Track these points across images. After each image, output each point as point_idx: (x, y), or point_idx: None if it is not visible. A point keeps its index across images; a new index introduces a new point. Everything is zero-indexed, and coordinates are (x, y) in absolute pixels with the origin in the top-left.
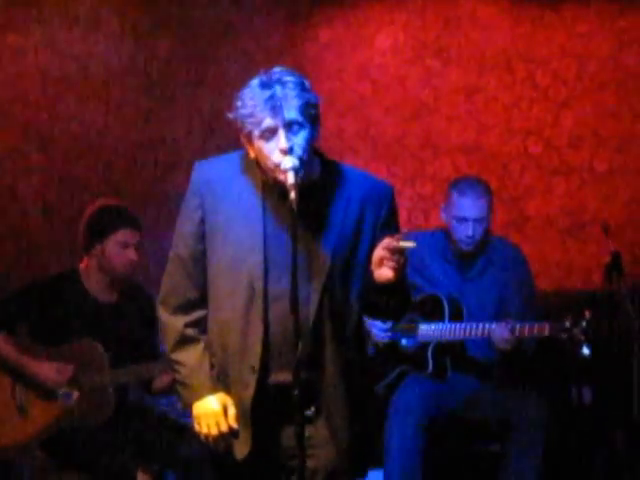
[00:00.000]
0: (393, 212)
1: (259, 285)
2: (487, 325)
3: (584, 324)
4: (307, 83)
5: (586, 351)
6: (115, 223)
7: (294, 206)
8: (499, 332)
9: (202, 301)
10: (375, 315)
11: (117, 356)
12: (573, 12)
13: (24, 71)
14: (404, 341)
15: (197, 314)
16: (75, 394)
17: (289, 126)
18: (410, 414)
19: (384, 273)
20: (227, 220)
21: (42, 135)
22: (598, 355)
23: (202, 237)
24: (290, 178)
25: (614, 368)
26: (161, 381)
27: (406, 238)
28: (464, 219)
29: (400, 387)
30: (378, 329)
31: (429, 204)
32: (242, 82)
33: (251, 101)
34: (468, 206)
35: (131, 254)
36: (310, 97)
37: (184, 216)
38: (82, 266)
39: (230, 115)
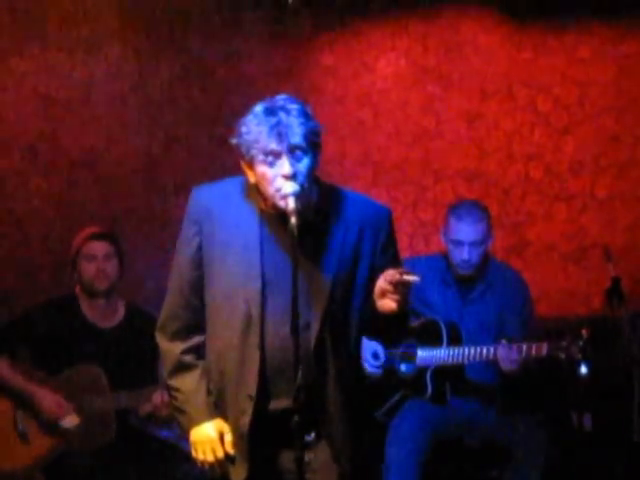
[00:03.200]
0: (391, 235)
1: (256, 312)
2: (488, 348)
3: (581, 343)
4: (310, 111)
5: (584, 370)
6: (80, 242)
7: (295, 232)
8: (504, 353)
9: (200, 327)
10: (375, 337)
11: (118, 380)
12: (575, 38)
13: (26, 95)
14: (403, 367)
15: (195, 340)
16: (76, 419)
17: (293, 152)
18: (410, 439)
19: (387, 305)
20: (225, 247)
21: (43, 159)
22: (598, 381)
23: (200, 264)
24: (291, 203)
25: (614, 394)
26: (150, 405)
27: (407, 264)
28: (460, 243)
29: (400, 412)
30: (370, 365)
31: (430, 229)
32: (243, 106)
33: (256, 127)
34: (464, 230)
35: (99, 264)
36: (313, 125)
37: (182, 243)
38: (77, 290)
39: (233, 140)
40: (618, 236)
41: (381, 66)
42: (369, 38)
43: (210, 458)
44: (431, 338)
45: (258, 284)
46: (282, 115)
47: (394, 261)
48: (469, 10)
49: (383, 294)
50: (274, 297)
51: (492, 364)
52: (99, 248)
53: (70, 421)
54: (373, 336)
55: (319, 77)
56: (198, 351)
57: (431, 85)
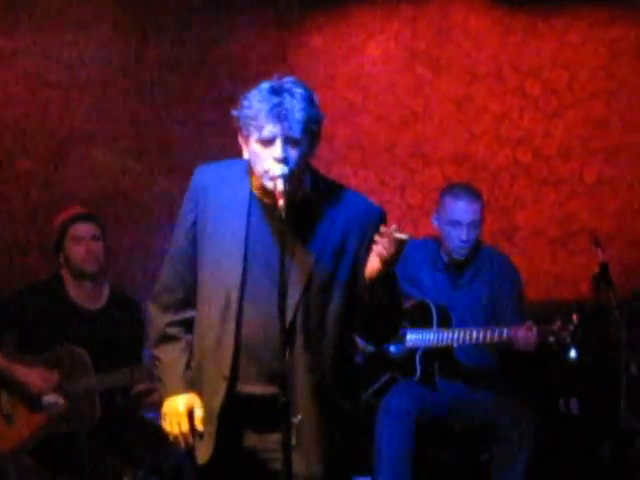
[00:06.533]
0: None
1: (235, 296)
2: (478, 331)
3: (572, 328)
4: (316, 98)
5: (573, 354)
6: (66, 224)
7: (282, 214)
8: (523, 335)
9: (192, 301)
10: (366, 336)
11: (102, 362)
12: (564, 22)
13: (13, 75)
14: (392, 348)
15: (185, 314)
16: (61, 401)
17: (287, 138)
18: (399, 419)
19: (373, 264)
20: (215, 225)
21: (30, 140)
22: (586, 366)
23: (193, 240)
24: (279, 185)
25: (602, 379)
26: (139, 387)
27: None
28: (458, 223)
29: (389, 393)
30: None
31: (418, 213)
32: (233, 89)
33: (258, 104)
34: (462, 209)
35: (87, 245)
36: (315, 113)
37: (180, 218)
38: (62, 272)
39: (234, 112)
40: (607, 221)
41: (371, 49)
42: (359, 20)
43: (175, 431)
44: (421, 320)
45: (239, 268)
46: (286, 97)
47: None
48: None
49: (372, 251)
50: (254, 281)
51: (480, 348)
52: (86, 229)
53: (54, 398)
54: (363, 335)
55: (308, 59)
56: (187, 325)
57: (420, 68)
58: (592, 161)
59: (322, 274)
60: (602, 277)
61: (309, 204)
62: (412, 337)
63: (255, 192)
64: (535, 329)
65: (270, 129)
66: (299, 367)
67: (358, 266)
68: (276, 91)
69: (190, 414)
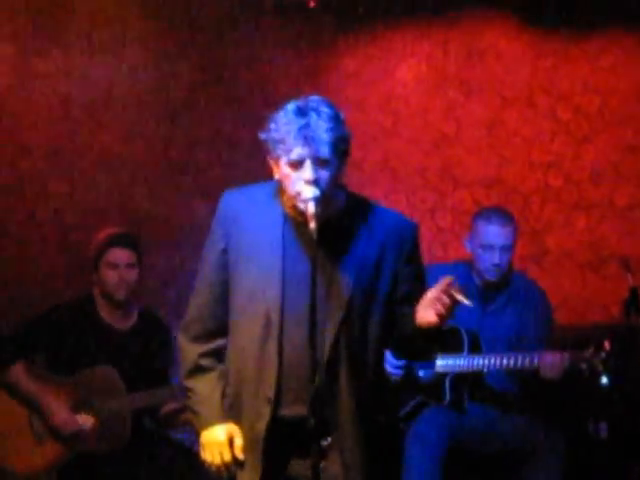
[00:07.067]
0: (415, 249)
1: (276, 317)
2: (509, 356)
3: (604, 355)
4: (342, 116)
5: (605, 381)
6: (104, 247)
7: (314, 236)
8: (548, 360)
9: (222, 331)
10: (403, 354)
11: (132, 381)
12: (596, 46)
13: (47, 97)
14: (421, 372)
15: (215, 344)
16: (92, 420)
17: (316, 159)
18: (428, 445)
19: (428, 316)
20: (250, 250)
21: (63, 161)
22: (615, 390)
23: (225, 267)
24: (311, 208)
25: (630, 403)
26: (169, 407)
27: (430, 272)
28: (490, 247)
29: (418, 418)
30: (390, 365)
31: (448, 237)
32: (264, 110)
33: (285, 126)
34: (495, 233)
35: (121, 273)
36: (343, 132)
37: (209, 245)
38: (95, 292)
39: (262, 135)
40: (637, 246)
41: (402, 71)
42: (390, 43)
43: (217, 461)
44: (451, 345)
45: (279, 289)
46: (312, 117)
47: (418, 275)
48: (491, 16)
49: (429, 304)
50: (294, 302)
51: (511, 373)
52: (122, 256)
53: (85, 418)
54: (398, 352)
55: (340, 82)
56: (218, 355)
57: (451, 91)
58: (622, 186)
59: (362, 291)
60: (632, 302)
61: (343, 223)
62: (442, 362)
63: (288, 211)
64: (563, 356)
65: (298, 151)
66: (341, 386)
67: (395, 281)
68: (302, 111)
69: (230, 443)
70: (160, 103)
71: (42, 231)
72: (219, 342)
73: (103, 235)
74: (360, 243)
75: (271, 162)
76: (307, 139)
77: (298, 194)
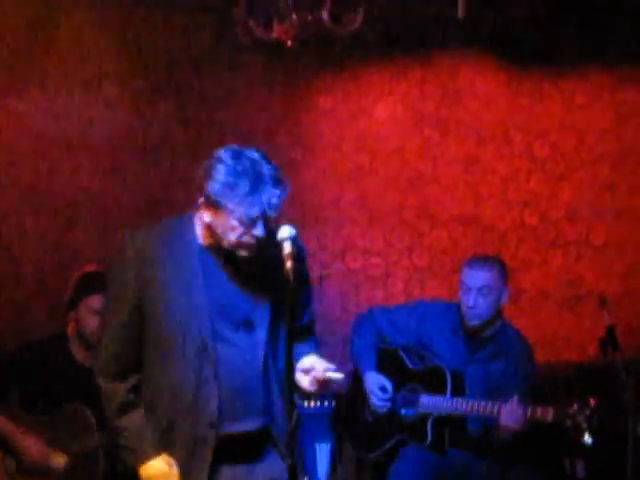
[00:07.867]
0: (305, 273)
1: (210, 343)
2: (493, 404)
3: (588, 412)
4: (280, 172)
5: (588, 440)
6: (86, 289)
7: (291, 275)
8: (509, 409)
9: (136, 367)
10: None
11: (104, 419)
12: (572, 84)
13: (23, 134)
14: (403, 411)
15: (133, 380)
16: (63, 459)
17: (267, 218)
18: None
19: (305, 385)
20: (168, 286)
21: (39, 199)
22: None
23: (139, 306)
24: (287, 247)
25: (607, 442)
26: None
27: (420, 309)
28: (468, 289)
29: (398, 456)
30: (377, 398)
31: (426, 275)
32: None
33: (235, 189)
34: (471, 275)
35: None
36: (285, 193)
37: (117, 288)
38: (69, 330)
39: (204, 181)
40: (613, 283)
41: (379, 110)
42: (367, 82)
43: None
44: (435, 385)
45: (207, 316)
46: (261, 181)
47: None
48: (467, 56)
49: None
50: (224, 325)
51: (492, 420)
52: (102, 303)
53: (57, 462)
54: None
55: (317, 120)
56: (137, 390)
57: (428, 130)
58: (599, 224)
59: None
60: (609, 340)
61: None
62: (425, 402)
63: (204, 245)
64: (525, 407)
65: (257, 214)
66: (273, 384)
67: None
68: (248, 173)
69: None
70: (138, 141)
71: (19, 269)
72: (135, 378)
73: (82, 275)
74: (272, 268)
75: (202, 205)
76: (262, 204)
77: (239, 244)
